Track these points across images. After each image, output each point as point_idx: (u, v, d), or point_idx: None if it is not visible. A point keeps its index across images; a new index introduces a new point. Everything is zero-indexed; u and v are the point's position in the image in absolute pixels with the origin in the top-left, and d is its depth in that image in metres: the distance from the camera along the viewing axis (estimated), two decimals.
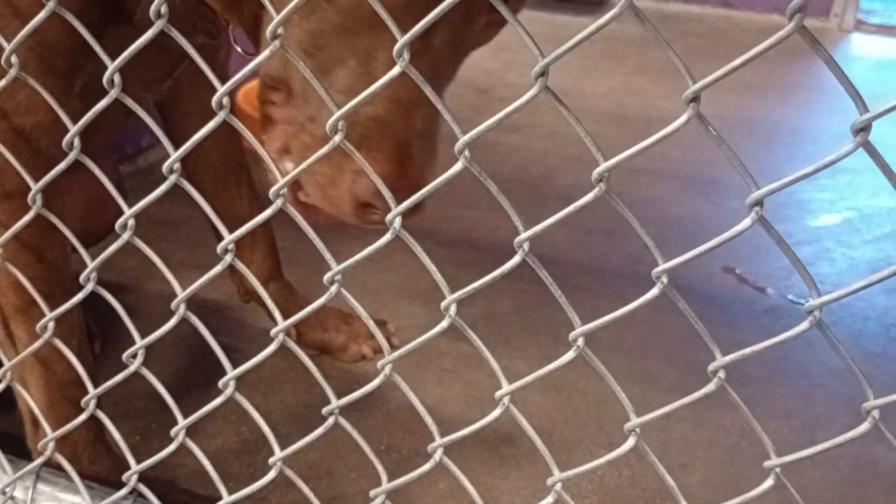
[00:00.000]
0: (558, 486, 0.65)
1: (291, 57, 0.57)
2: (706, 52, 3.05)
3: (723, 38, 3.34)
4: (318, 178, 0.69)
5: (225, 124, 0.61)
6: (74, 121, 0.70)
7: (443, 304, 0.60)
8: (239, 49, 0.88)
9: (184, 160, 0.66)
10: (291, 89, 0.70)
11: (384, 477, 0.72)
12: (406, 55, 0.51)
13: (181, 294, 0.72)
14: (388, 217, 0.57)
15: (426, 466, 0.68)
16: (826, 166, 0.41)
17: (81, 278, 0.78)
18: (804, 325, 0.47)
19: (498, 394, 0.62)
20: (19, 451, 0.99)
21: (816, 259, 1.80)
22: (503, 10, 0.50)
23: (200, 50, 0.64)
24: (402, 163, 0.65)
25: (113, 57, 0.64)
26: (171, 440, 0.80)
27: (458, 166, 0.53)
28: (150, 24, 0.60)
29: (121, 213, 0.73)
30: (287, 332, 0.68)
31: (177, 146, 0.66)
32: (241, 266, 0.72)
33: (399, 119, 0.63)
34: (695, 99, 0.45)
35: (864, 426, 0.49)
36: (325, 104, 0.56)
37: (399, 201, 0.57)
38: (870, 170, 0.44)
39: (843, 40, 3.46)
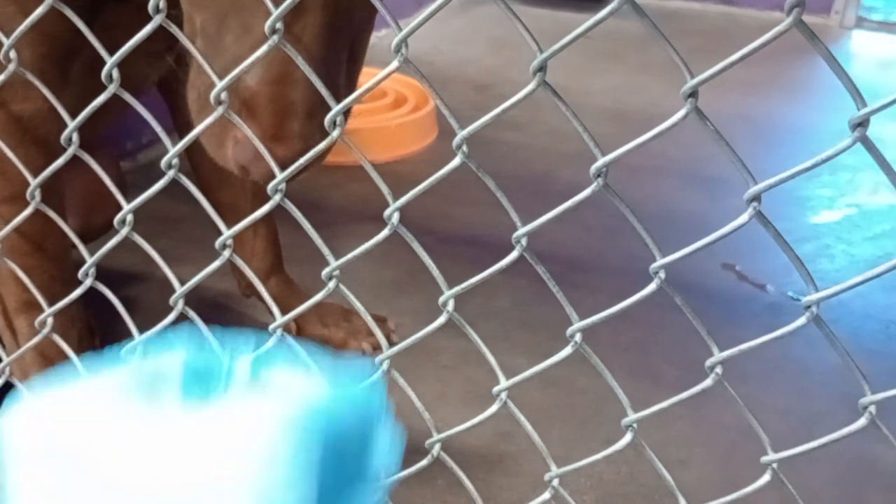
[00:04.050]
0: (555, 482, 0.65)
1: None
2: (707, 49, 3.03)
3: (724, 36, 3.33)
4: (210, 139, 0.71)
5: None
6: (75, 106, 0.70)
7: (440, 300, 0.60)
8: None
9: (186, 151, 0.67)
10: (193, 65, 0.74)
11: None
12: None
13: (179, 289, 0.72)
14: (386, 213, 0.58)
15: (423, 462, 0.68)
16: (824, 161, 0.41)
17: (80, 273, 0.78)
18: (801, 321, 0.47)
19: (495, 389, 0.63)
20: None
21: (816, 256, 1.80)
22: (504, 9, 0.50)
23: None
24: (277, 132, 0.66)
25: (114, 31, 0.64)
26: None
27: (455, 161, 0.53)
28: None
29: (121, 208, 0.73)
30: (287, 327, 0.68)
31: (182, 135, 0.67)
32: (239, 262, 0.72)
33: (275, 89, 0.65)
34: (693, 94, 0.45)
35: (861, 422, 0.49)
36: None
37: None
38: (870, 167, 0.44)
39: (844, 37, 3.46)
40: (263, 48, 0.55)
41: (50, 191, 0.80)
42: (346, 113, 0.57)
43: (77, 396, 0.32)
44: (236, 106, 0.66)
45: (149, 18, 0.60)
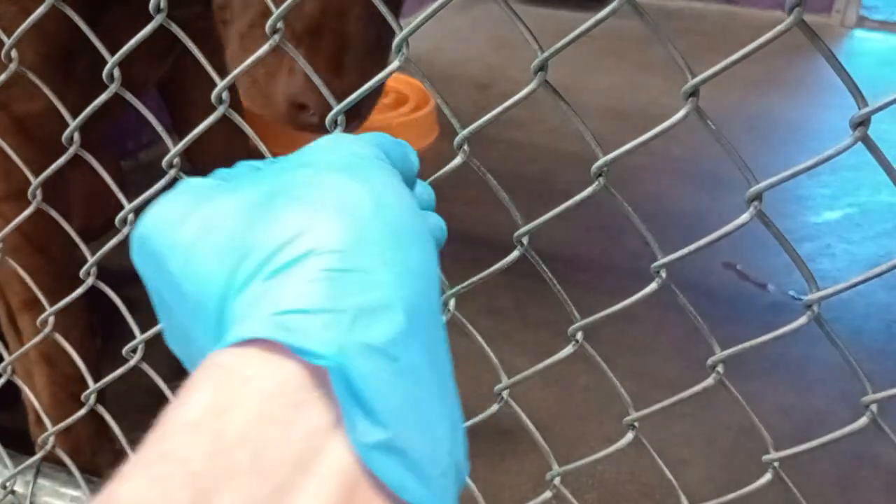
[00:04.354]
0: (557, 481, 0.65)
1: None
2: (708, 48, 3.04)
3: (725, 35, 3.33)
4: (256, 78, 0.71)
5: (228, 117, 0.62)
6: (79, 106, 0.70)
7: (442, 299, 0.60)
8: None
9: (188, 153, 0.67)
10: (234, 5, 0.74)
11: None
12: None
13: None
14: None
15: None
16: (825, 161, 0.41)
17: (81, 273, 0.78)
18: (802, 320, 0.47)
19: (497, 388, 0.63)
20: (20, 446, 0.99)
21: (817, 255, 1.80)
22: (505, 9, 0.50)
23: (201, 35, 0.64)
24: (337, 63, 0.66)
25: (116, 32, 0.64)
26: None
27: (457, 161, 0.53)
28: None
29: (122, 207, 0.73)
30: None
31: (182, 137, 0.66)
32: None
33: (334, 22, 0.66)
34: (693, 93, 0.45)
35: (863, 420, 0.49)
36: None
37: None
38: (871, 166, 0.44)
39: (845, 37, 3.45)
40: (264, 48, 0.55)
41: (55, 192, 0.80)
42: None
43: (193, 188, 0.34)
44: (296, 35, 0.66)
45: (150, 18, 0.60)
